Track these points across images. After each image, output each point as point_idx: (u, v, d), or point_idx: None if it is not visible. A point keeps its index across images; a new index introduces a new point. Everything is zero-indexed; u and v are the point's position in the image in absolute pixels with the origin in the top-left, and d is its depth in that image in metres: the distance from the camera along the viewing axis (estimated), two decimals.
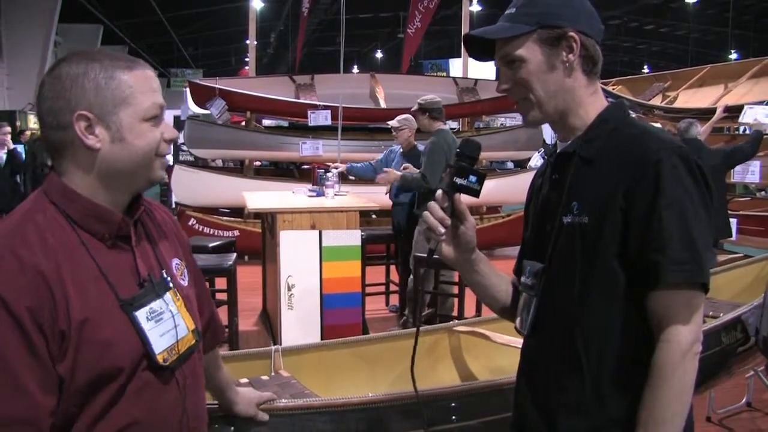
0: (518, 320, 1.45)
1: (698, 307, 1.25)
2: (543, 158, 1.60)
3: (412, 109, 5.39)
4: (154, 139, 1.27)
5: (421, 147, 5.87)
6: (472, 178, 1.36)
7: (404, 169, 5.24)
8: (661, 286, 1.23)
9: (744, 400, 3.96)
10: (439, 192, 1.37)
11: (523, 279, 1.44)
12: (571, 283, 1.31)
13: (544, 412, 1.36)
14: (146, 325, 1.24)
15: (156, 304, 1.28)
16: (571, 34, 1.32)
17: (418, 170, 5.14)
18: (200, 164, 10.43)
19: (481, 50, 1.42)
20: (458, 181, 1.36)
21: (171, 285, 1.34)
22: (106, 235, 1.25)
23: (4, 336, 1.09)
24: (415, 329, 1.73)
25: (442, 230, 1.36)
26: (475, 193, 1.35)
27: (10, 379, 1.09)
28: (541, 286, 1.37)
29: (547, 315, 1.36)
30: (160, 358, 1.25)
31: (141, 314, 1.25)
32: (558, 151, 1.40)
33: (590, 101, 1.37)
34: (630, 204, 1.25)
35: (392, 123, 5.82)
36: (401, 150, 5.92)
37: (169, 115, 15.71)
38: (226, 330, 4.69)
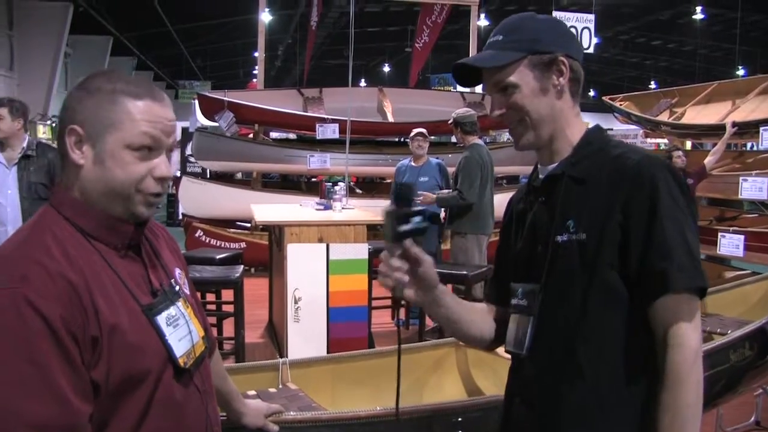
0: (511, 342, 1.44)
1: (698, 311, 1.31)
2: None
3: (449, 122, 5.43)
4: (136, 173, 1.24)
5: (434, 160, 5.90)
6: (416, 219, 1.32)
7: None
8: (670, 291, 1.26)
9: (753, 418, 3.93)
10: (389, 245, 1.33)
11: (514, 301, 1.45)
12: (571, 298, 1.33)
13: (545, 423, 1.36)
14: (166, 330, 1.28)
15: (172, 311, 1.32)
16: (562, 58, 1.37)
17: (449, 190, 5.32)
18: (212, 176, 10.48)
19: (467, 77, 1.48)
20: (402, 228, 1.31)
21: (180, 293, 1.38)
22: (120, 245, 1.28)
23: (41, 345, 1.10)
24: (422, 341, 1.73)
25: (406, 279, 1.34)
26: (422, 232, 1.33)
27: (51, 388, 1.10)
28: (537, 305, 1.38)
29: (545, 332, 1.37)
30: (181, 362, 1.28)
31: (161, 319, 1.28)
32: (547, 174, 1.42)
33: (575, 122, 1.42)
34: (628, 218, 1.29)
35: (424, 131, 5.91)
36: (411, 163, 5.95)
37: (176, 127, 15.73)
38: (233, 342, 4.71)
